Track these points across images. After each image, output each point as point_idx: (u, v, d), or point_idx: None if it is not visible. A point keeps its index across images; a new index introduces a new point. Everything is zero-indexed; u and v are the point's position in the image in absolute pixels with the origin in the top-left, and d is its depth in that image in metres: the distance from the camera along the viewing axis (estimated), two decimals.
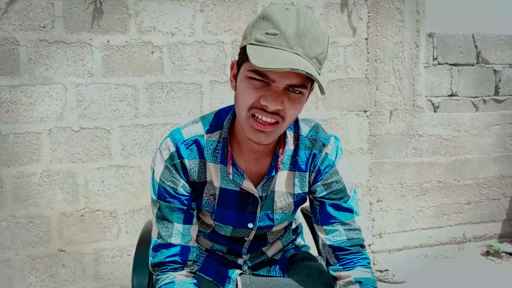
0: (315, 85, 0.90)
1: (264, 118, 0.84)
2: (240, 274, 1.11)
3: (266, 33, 0.80)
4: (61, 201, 2.13)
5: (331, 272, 1.00)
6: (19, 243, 2.09)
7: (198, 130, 0.97)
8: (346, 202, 1.00)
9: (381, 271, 2.57)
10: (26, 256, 2.10)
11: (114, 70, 2.15)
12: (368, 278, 0.96)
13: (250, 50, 0.80)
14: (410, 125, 2.70)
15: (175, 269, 0.97)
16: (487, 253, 2.90)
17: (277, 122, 0.85)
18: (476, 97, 3.15)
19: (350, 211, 1.00)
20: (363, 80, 2.57)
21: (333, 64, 2.50)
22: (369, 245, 2.68)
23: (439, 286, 2.44)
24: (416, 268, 2.68)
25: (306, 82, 0.83)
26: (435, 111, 3.03)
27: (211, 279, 1.09)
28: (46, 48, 2.06)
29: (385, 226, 2.71)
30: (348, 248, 0.98)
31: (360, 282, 0.95)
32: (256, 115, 0.84)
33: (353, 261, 0.98)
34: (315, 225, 1.03)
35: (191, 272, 1.00)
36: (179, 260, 0.97)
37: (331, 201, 0.99)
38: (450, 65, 3.06)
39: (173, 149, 0.96)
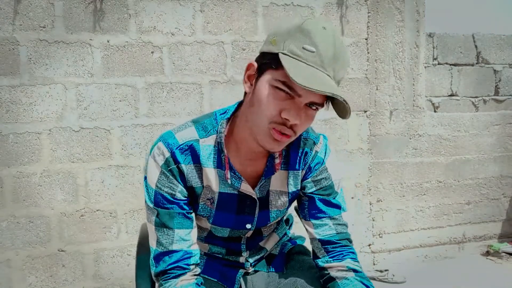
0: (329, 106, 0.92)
1: (283, 131, 0.85)
2: (244, 274, 1.11)
3: (303, 48, 0.80)
4: (61, 201, 2.13)
5: (321, 264, 1.01)
6: (19, 243, 2.09)
7: (192, 134, 0.96)
8: (334, 198, 1.02)
9: (381, 271, 2.57)
10: (26, 256, 2.10)
11: (114, 70, 2.15)
12: (362, 272, 0.99)
13: (286, 63, 0.79)
14: (410, 125, 2.70)
15: (178, 276, 0.95)
16: (487, 253, 2.90)
17: (289, 135, 0.87)
18: (476, 97, 3.15)
19: (338, 207, 1.02)
20: (363, 80, 2.57)
21: None
22: (369, 245, 2.68)
23: (439, 286, 2.44)
24: (416, 268, 2.68)
25: (324, 100, 0.86)
26: (435, 111, 3.04)
27: (216, 280, 1.09)
28: (46, 48, 2.06)
29: (385, 226, 2.71)
30: (338, 241, 1.00)
31: (355, 271, 0.98)
32: (276, 127, 0.85)
33: (342, 253, 1.00)
34: (302, 220, 1.05)
35: (195, 275, 0.98)
36: (182, 266, 0.96)
37: (321, 197, 1.01)
38: (450, 65, 3.06)
39: (167, 154, 0.94)
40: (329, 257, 1.00)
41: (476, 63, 3.10)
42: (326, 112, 2.47)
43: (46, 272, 2.14)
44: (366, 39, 2.56)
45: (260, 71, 0.87)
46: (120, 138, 2.19)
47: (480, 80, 3.13)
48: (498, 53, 3.13)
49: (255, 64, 0.89)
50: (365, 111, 2.59)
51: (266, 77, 0.85)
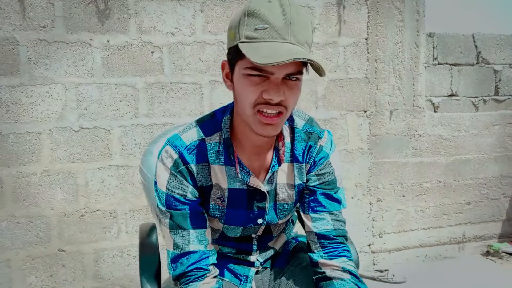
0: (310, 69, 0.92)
1: (269, 111, 0.86)
2: (256, 272, 1.12)
3: (256, 29, 0.81)
4: (61, 201, 2.13)
5: (315, 259, 1.01)
6: (19, 243, 2.09)
7: (198, 134, 0.97)
8: (336, 193, 1.03)
9: (381, 271, 2.57)
10: (26, 256, 2.10)
11: (114, 70, 2.15)
12: (355, 271, 0.99)
13: (244, 48, 0.81)
14: (410, 125, 2.70)
15: (198, 278, 0.95)
16: (487, 253, 2.91)
17: (281, 112, 0.87)
18: (476, 97, 3.15)
19: (339, 202, 1.03)
20: (363, 80, 2.57)
21: (333, 64, 2.50)
22: (369, 245, 2.68)
23: (439, 286, 2.44)
24: (416, 268, 2.68)
25: (301, 68, 0.86)
26: (435, 111, 3.03)
27: (228, 280, 1.09)
28: (46, 48, 2.06)
29: (385, 226, 2.71)
30: (334, 237, 1.00)
31: (350, 273, 0.98)
32: (262, 109, 0.86)
33: (337, 251, 1.00)
34: (302, 214, 1.05)
35: (214, 277, 0.99)
36: (201, 267, 0.96)
37: (323, 190, 1.02)
38: (450, 65, 3.06)
39: (175, 156, 0.95)
40: (324, 253, 1.00)
41: (476, 63, 3.10)
42: (326, 112, 2.49)
43: (46, 272, 2.14)
44: (366, 39, 2.56)
45: (232, 66, 0.89)
46: (120, 138, 2.19)
47: (480, 80, 3.13)
48: (498, 53, 3.13)
49: (227, 62, 0.91)
50: (365, 111, 2.59)
51: (238, 70, 0.87)
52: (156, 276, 1.12)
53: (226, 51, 0.91)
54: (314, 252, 1.01)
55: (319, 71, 0.83)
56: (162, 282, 1.13)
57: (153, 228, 1.26)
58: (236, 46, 0.83)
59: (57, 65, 2.08)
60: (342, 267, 0.97)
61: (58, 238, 2.14)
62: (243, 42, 0.82)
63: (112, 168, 2.19)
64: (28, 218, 2.10)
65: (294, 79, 0.85)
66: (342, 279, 0.96)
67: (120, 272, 2.24)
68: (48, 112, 2.09)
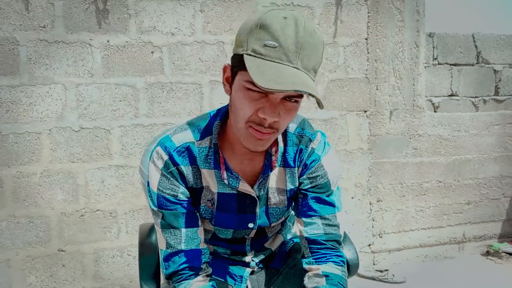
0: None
1: (261, 131, 0.84)
2: (251, 272, 1.12)
3: (265, 45, 0.77)
4: (61, 201, 2.13)
5: (304, 265, 1.00)
6: (19, 243, 2.09)
7: (188, 137, 0.97)
8: (328, 196, 1.00)
9: (381, 271, 2.57)
10: (26, 256, 2.11)
11: (114, 70, 2.15)
12: (337, 274, 0.97)
13: (249, 63, 0.77)
14: (410, 125, 2.70)
15: (190, 276, 0.96)
16: (487, 253, 2.90)
17: (273, 131, 0.85)
18: (476, 97, 3.15)
19: (332, 205, 1.00)
20: (363, 80, 2.57)
21: (333, 64, 2.50)
22: (369, 245, 2.68)
23: (439, 286, 2.44)
24: (416, 268, 2.68)
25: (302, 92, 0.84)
26: (435, 111, 3.03)
27: (222, 280, 1.09)
28: (46, 48, 2.06)
29: (385, 226, 2.71)
30: (324, 242, 0.99)
31: (327, 276, 0.95)
32: (254, 126, 0.84)
33: (326, 256, 0.99)
34: (295, 218, 1.04)
35: (207, 276, 0.98)
36: (193, 265, 0.96)
37: (314, 194, 1.00)
38: (450, 65, 3.06)
39: (166, 157, 0.95)
40: (313, 259, 0.99)
41: (476, 63, 3.10)
42: (326, 112, 2.49)
43: (46, 272, 2.14)
44: (366, 39, 2.56)
45: (233, 73, 0.86)
46: (120, 138, 2.19)
47: (480, 80, 3.13)
48: (498, 53, 3.13)
49: (229, 66, 0.88)
50: (365, 111, 2.59)
51: (238, 79, 0.84)
52: (155, 276, 1.12)
53: (231, 53, 0.88)
54: (305, 258, 1.01)
55: (318, 103, 0.79)
56: (161, 282, 1.13)
57: (152, 228, 1.26)
58: (242, 56, 0.80)
59: (57, 65, 2.08)
60: (322, 271, 0.96)
61: (58, 238, 2.14)
62: (249, 55, 0.79)
63: (112, 168, 2.19)
64: (28, 218, 2.10)
65: (293, 100, 0.83)
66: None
67: (120, 272, 2.24)
68: (48, 112, 2.09)
